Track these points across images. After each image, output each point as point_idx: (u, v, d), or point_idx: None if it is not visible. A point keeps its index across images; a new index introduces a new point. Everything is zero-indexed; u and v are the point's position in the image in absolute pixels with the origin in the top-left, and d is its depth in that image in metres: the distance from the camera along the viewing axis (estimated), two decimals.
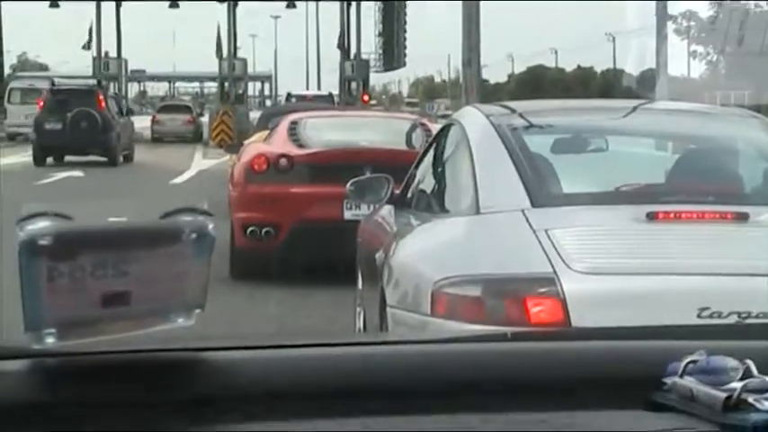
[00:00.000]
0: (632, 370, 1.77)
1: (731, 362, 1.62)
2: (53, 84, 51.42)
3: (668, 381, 1.67)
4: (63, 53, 65.15)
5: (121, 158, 40.79)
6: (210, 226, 1.52)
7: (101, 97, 44.50)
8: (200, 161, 36.73)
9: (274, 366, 1.69)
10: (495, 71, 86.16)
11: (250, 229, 13.53)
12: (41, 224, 1.39)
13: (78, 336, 1.41)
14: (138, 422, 1.49)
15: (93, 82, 53.72)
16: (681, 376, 1.65)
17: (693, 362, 1.65)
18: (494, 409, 1.64)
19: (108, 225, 1.48)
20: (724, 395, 1.55)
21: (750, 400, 1.53)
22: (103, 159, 39.69)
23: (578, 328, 5.52)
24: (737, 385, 1.57)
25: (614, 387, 1.72)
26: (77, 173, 32.69)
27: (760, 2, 68.92)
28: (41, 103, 45.35)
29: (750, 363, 1.60)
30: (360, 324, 8.30)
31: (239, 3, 60.53)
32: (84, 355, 1.46)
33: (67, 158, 40.25)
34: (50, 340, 1.39)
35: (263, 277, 13.02)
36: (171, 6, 62.53)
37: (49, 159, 40.37)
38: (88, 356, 1.47)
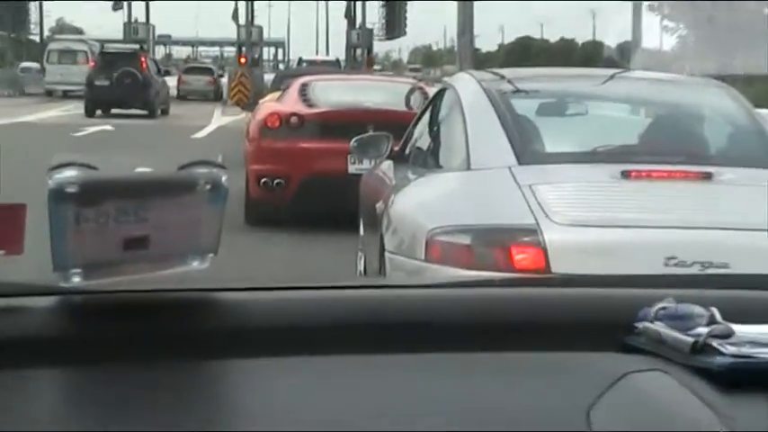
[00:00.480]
0: (606, 315, 1.76)
1: (697, 309, 1.62)
2: (103, 46, 52.03)
3: (639, 325, 1.67)
4: (96, 18, 64.97)
5: (159, 112, 42.34)
6: (224, 178, 1.51)
7: (143, 59, 45.99)
8: (220, 118, 36.68)
9: (278, 306, 1.69)
10: (486, 41, 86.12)
11: (263, 180, 13.53)
12: (69, 173, 1.37)
13: (102, 276, 1.40)
14: (153, 354, 1.49)
15: (136, 46, 53.78)
16: (651, 322, 1.64)
17: (663, 308, 1.65)
18: (475, 349, 1.64)
19: (129, 175, 1.48)
20: (691, 340, 1.55)
21: (714, 344, 1.53)
22: (143, 112, 41.05)
23: (559, 275, 5.53)
24: (703, 331, 1.57)
25: (589, 331, 1.72)
26: (108, 127, 32.54)
27: None
28: (93, 63, 47.87)
29: (714, 310, 1.60)
30: (361, 267, 8.31)
31: None
32: (106, 294, 1.45)
33: (113, 111, 41.25)
34: (76, 279, 1.38)
35: (275, 224, 13.05)
36: None
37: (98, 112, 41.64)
38: (111, 294, 1.46)
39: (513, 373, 1.63)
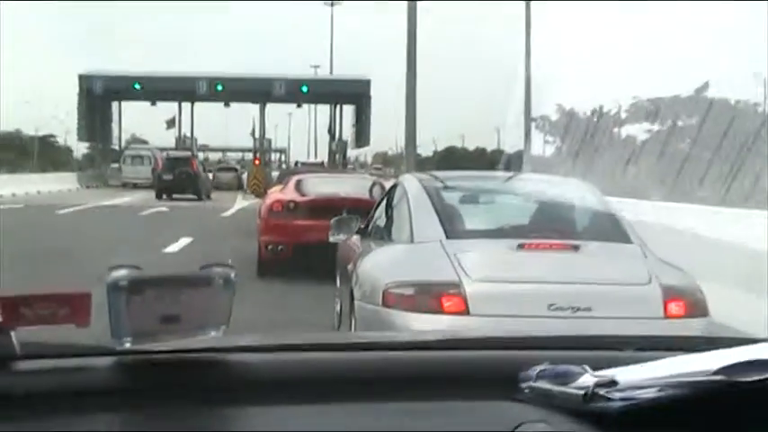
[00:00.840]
0: (502, 373, 1.64)
1: (573, 368, 1.53)
2: (167, 153, 52.68)
3: (524, 385, 1.58)
4: (157, 133, 65.87)
5: (205, 197, 42.89)
6: (233, 275, 1.48)
7: (193, 161, 47.15)
8: (241, 201, 36.69)
9: (277, 366, 1.62)
10: (425, 149, 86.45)
11: (270, 246, 13.61)
12: (121, 272, 1.39)
13: (146, 341, 1.41)
14: (178, 404, 1.45)
15: (189, 153, 54.74)
16: (534, 381, 1.56)
17: (543, 370, 1.56)
18: (382, 400, 1.56)
19: (164, 274, 1.47)
20: (581, 391, 1.46)
21: (601, 393, 1.44)
22: (194, 197, 41.84)
23: (460, 337, 5.53)
24: (588, 382, 1.48)
25: (490, 386, 1.62)
26: (164, 208, 32.60)
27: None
28: (160, 164, 48.75)
29: (587, 367, 1.51)
30: (337, 308, 8.27)
31: (267, 104, 60.70)
32: (149, 353, 1.44)
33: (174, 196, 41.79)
34: (128, 344, 1.39)
35: (278, 276, 13.01)
36: (225, 106, 62.45)
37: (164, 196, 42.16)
38: (152, 354, 1.45)
39: (436, 417, 1.54)
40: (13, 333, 1.37)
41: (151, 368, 1.46)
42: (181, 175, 43.43)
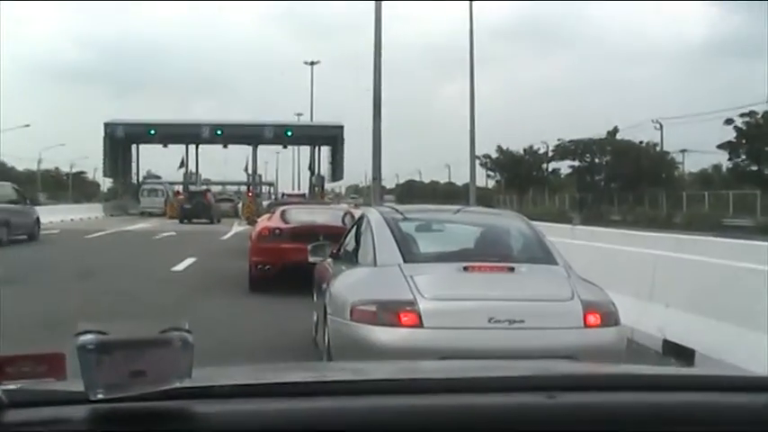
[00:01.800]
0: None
1: None
2: (187, 187, 55.01)
3: None
4: (168, 169, 66.04)
5: (216, 221, 44.28)
6: (190, 338, 1.37)
7: (207, 194, 48.81)
8: (237, 227, 36.37)
9: (247, 417, 1.45)
10: (388, 182, 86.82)
11: (258, 266, 13.44)
12: (89, 337, 1.30)
13: (116, 393, 1.31)
14: None
15: (204, 187, 56.48)
16: None
17: None
18: None
19: (129, 337, 1.35)
20: None
21: None
22: (207, 221, 43.74)
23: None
24: None
25: None
26: (173, 233, 32.27)
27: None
28: (181, 195, 50.94)
29: None
30: (314, 319, 8.13)
31: (258, 146, 60.56)
32: (119, 402, 1.33)
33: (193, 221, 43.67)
34: (100, 395, 1.31)
35: (266, 291, 12.78)
36: (224, 147, 62.18)
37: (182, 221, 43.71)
38: (123, 403, 1.33)
39: None
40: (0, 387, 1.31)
41: (126, 417, 1.35)
42: (198, 205, 45.73)
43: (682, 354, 8.25)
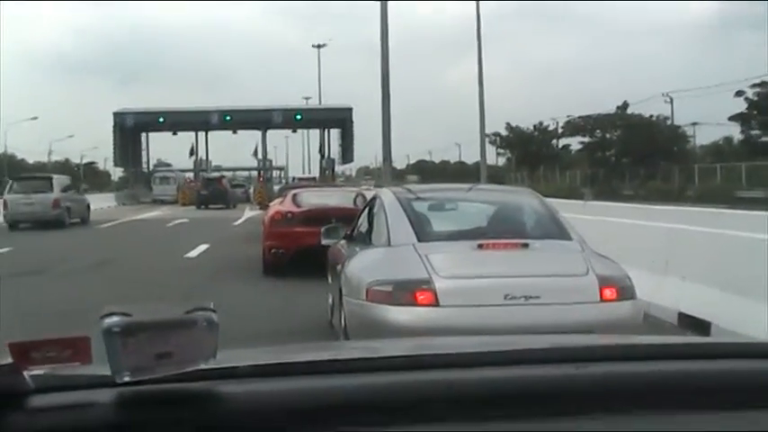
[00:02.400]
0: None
1: None
2: (202, 175, 55.90)
3: None
4: (178, 156, 66.07)
5: (233, 206, 45.48)
6: (215, 318, 1.35)
7: (223, 180, 50.75)
8: (249, 212, 36.33)
9: (269, 397, 1.45)
10: (399, 163, 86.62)
11: (272, 250, 13.44)
12: (114, 319, 1.28)
13: (142, 375, 1.30)
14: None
15: (227, 173, 59.96)
16: None
17: None
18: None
19: (154, 318, 1.34)
20: None
21: None
22: (223, 206, 44.54)
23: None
24: None
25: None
26: (185, 220, 32.36)
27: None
28: (193, 183, 52.67)
29: None
30: (330, 301, 8.14)
31: (268, 130, 60.49)
32: (146, 384, 1.32)
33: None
34: (126, 378, 1.29)
35: (280, 274, 12.81)
36: (233, 133, 62.19)
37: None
38: (149, 385, 1.33)
39: None
40: (25, 372, 1.30)
41: (152, 400, 1.35)
42: (214, 191, 47.20)
43: (698, 326, 8.25)
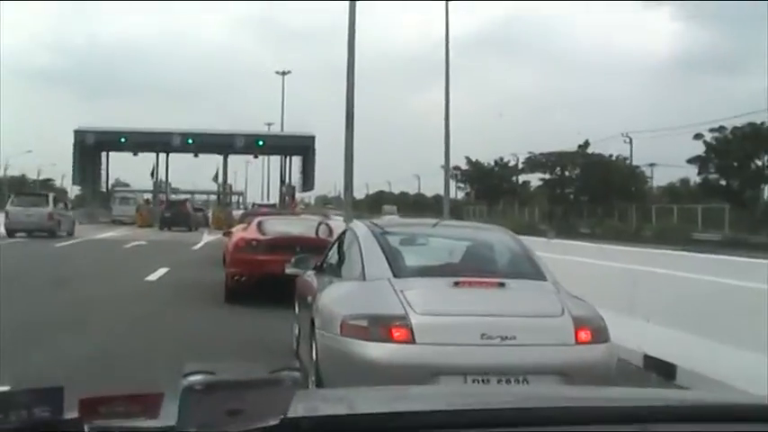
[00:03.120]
0: None
1: None
2: (167, 198, 57.21)
3: None
4: (138, 177, 65.58)
5: (195, 228, 46.20)
6: (299, 376, 1.35)
7: (186, 203, 52.99)
8: (207, 237, 36.07)
9: None
10: (358, 192, 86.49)
11: (235, 277, 13.33)
12: (198, 377, 1.27)
13: (208, 431, 1.26)
14: None
15: (185, 196, 61.33)
16: None
17: None
18: None
19: (236, 377, 1.32)
20: None
21: None
22: (186, 228, 45.76)
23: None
24: None
25: None
26: (143, 242, 31.93)
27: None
28: (164, 205, 52.69)
29: None
30: (296, 331, 8.06)
31: (229, 155, 60.19)
32: None
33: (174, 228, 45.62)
34: None
35: (242, 302, 12.65)
36: (194, 156, 61.64)
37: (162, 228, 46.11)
38: None
39: None
40: (86, 426, 1.26)
41: None
42: (177, 214, 48.37)
43: (663, 369, 8.28)
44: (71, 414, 1.23)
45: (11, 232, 31.90)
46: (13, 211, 33.01)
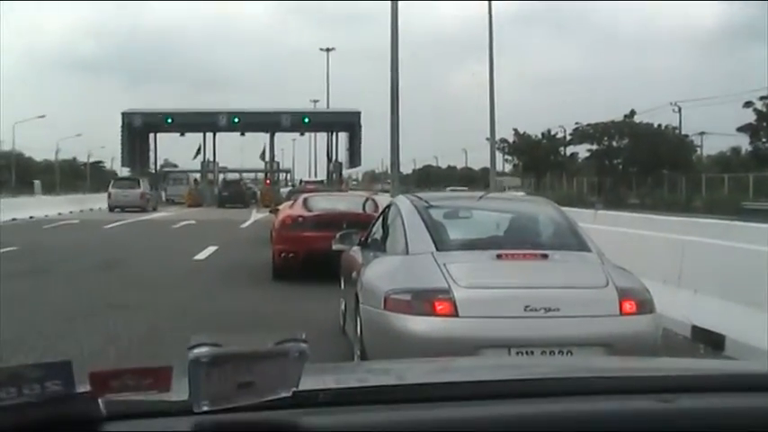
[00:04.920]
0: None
1: None
2: (225, 177, 61.53)
3: None
4: (185, 158, 66.11)
5: (249, 206, 48.29)
6: (306, 348, 1.34)
7: (241, 182, 58.18)
8: (255, 215, 36.28)
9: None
10: (405, 167, 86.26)
11: (282, 254, 13.38)
12: (203, 350, 1.27)
13: (220, 404, 1.28)
14: None
15: (233, 175, 65.34)
16: None
17: None
18: None
19: (242, 349, 1.32)
20: None
21: None
22: (241, 205, 47.96)
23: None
24: None
25: None
26: (192, 222, 32.24)
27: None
28: (221, 183, 56.75)
29: None
30: (342, 308, 8.11)
31: (275, 133, 60.36)
32: (226, 413, 1.30)
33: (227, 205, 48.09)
34: (205, 407, 1.28)
35: (290, 280, 12.74)
36: (241, 135, 61.86)
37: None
38: (226, 414, 1.31)
39: None
40: (100, 399, 1.28)
41: (227, 428, 1.33)
42: (233, 192, 52.34)
43: (711, 340, 8.21)
44: (82, 388, 1.25)
45: (112, 208, 40.58)
46: (114, 193, 42.36)
